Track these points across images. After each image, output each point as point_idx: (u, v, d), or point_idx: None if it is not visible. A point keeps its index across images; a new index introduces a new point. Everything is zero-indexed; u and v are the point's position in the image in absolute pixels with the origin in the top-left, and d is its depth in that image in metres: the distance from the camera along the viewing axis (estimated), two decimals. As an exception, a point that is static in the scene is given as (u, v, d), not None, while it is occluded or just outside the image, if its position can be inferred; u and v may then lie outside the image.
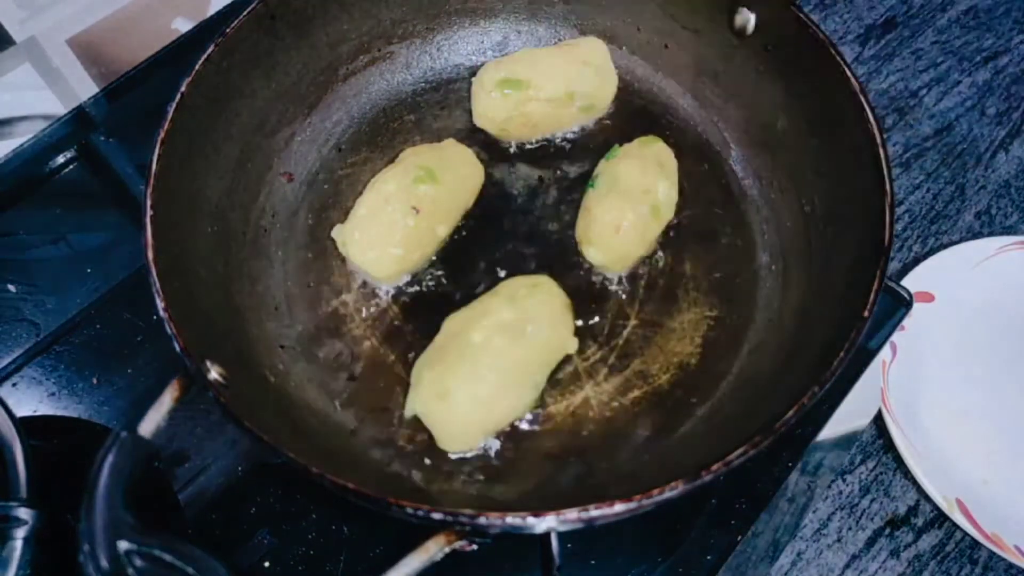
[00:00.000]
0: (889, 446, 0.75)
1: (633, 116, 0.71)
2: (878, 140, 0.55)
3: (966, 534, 0.71)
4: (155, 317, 0.46)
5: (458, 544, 0.42)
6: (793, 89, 0.63)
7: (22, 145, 0.75)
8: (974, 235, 0.91)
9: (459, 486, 0.54)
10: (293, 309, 0.61)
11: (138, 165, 0.77)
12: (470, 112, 0.70)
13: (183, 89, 0.55)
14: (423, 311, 0.61)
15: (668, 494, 0.42)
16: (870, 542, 0.72)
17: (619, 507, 0.41)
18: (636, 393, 0.58)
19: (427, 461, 0.55)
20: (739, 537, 0.61)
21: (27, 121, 0.83)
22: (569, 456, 0.55)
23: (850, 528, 0.73)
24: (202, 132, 0.58)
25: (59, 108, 0.84)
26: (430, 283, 0.62)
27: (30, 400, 0.65)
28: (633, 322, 0.61)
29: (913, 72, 1.04)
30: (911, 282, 0.82)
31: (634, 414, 0.57)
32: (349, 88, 0.70)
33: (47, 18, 0.78)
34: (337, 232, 0.62)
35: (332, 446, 0.53)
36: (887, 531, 0.73)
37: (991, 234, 0.91)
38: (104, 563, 0.38)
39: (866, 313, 0.48)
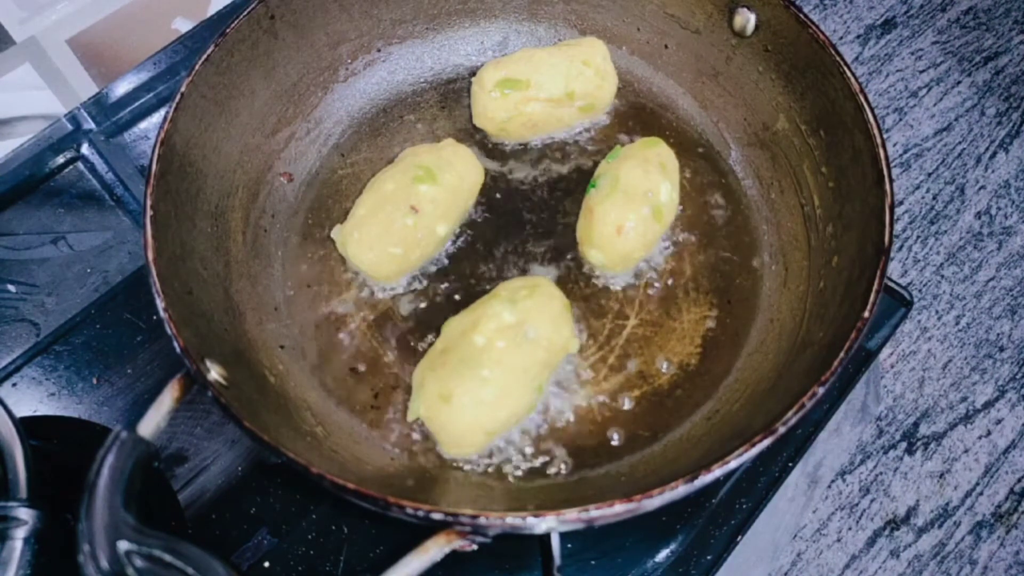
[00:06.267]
0: (889, 446, 0.76)
1: (633, 116, 0.71)
2: (878, 140, 0.55)
3: (966, 534, 0.71)
4: (155, 317, 0.46)
5: (458, 544, 0.42)
6: (793, 89, 0.63)
7: (22, 145, 0.75)
8: (974, 235, 0.91)
9: (459, 486, 0.54)
10: (293, 309, 0.61)
11: (138, 165, 0.77)
12: (470, 112, 0.70)
13: (183, 89, 0.55)
14: (423, 311, 0.61)
15: (668, 494, 0.42)
16: (870, 542, 0.73)
17: (619, 507, 0.41)
18: (636, 393, 0.58)
19: (428, 462, 0.55)
20: (739, 537, 0.61)
21: (27, 121, 0.83)
22: (569, 456, 0.55)
23: (850, 528, 0.73)
24: (202, 133, 0.58)
25: (59, 108, 0.84)
26: (429, 283, 0.62)
27: (30, 400, 0.65)
28: (633, 322, 0.61)
29: (913, 72, 1.04)
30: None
31: (634, 414, 0.57)
32: (349, 88, 0.70)
33: (47, 18, 0.78)
34: (337, 232, 0.62)
35: (332, 446, 0.53)
36: (887, 531, 0.73)
37: (991, 234, 0.91)
38: (104, 563, 0.38)
39: (866, 313, 0.48)
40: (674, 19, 0.69)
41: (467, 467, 0.55)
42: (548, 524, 0.41)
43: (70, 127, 0.77)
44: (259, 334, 0.58)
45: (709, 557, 0.60)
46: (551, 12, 0.73)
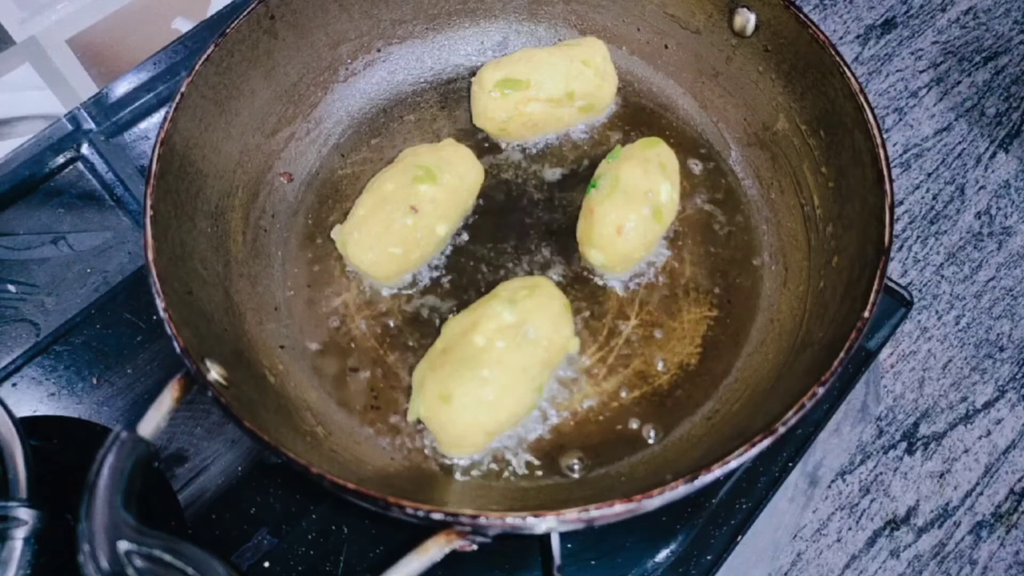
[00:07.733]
0: (889, 446, 0.76)
1: (633, 116, 0.71)
2: (878, 140, 0.55)
3: (966, 534, 0.71)
4: (155, 317, 0.46)
5: (458, 544, 0.42)
6: (793, 89, 0.63)
7: (22, 145, 0.75)
8: (974, 235, 0.91)
9: (459, 487, 0.54)
10: (293, 309, 0.61)
11: (138, 165, 0.77)
12: (470, 112, 0.70)
13: (183, 89, 0.55)
14: (423, 311, 0.61)
15: (668, 494, 0.42)
16: (870, 542, 0.72)
17: (619, 507, 0.41)
18: (636, 393, 0.58)
19: (428, 462, 0.55)
20: (739, 537, 0.61)
21: (27, 121, 0.83)
22: (569, 456, 0.55)
23: (850, 528, 0.73)
24: (202, 133, 0.58)
25: (59, 108, 0.84)
26: (430, 283, 0.62)
27: (30, 400, 0.65)
28: (633, 322, 0.61)
29: (913, 72, 1.04)
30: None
31: (634, 414, 0.57)
32: (349, 88, 0.70)
33: (47, 18, 0.78)
34: (336, 232, 0.62)
35: (332, 446, 0.53)
36: (887, 531, 0.73)
37: (991, 234, 0.91)
38: (104, 563, 0.38)
39: (866, 313, 0.48)
40: (674, 19, 0.69)
41: (467, 467, 0.55)
42: (548, 524, 0.41)
43: (70, 127, 0.77)
44: (259, 334, 0.58)
45: (709, 557, 0.60)
46: (551, 12, 0.73)
